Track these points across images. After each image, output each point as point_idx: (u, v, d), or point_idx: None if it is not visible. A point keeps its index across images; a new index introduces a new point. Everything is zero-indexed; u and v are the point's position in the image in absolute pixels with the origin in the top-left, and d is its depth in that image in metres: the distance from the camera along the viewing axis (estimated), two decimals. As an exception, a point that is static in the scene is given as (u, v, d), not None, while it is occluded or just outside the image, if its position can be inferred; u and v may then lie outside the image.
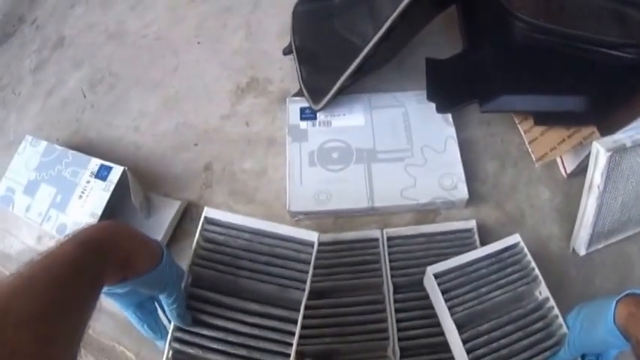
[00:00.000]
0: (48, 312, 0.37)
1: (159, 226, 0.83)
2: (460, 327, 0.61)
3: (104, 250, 0.45)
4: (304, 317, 0.62)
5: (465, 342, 0.60)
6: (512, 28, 0.73)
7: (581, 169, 0.74)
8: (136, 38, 1.12)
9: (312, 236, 0.63)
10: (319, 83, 0.87)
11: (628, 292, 0.51)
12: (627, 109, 0.71)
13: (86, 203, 0.81)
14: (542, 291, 0.65)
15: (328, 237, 0.77)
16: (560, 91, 0.74)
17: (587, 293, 0.73)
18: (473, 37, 0.88)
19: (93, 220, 0.79)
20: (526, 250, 0.68)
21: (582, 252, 0.75)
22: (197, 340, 0.56)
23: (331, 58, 0.86)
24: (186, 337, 0.57)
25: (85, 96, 1.05)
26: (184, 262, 0.60)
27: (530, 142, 0.77)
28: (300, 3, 1.00)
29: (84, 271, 0.42)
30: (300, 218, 0.82)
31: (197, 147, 0.93)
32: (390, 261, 0.74)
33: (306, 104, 0.89)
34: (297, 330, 0.57)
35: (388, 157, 0.84)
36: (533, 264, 0.67)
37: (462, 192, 0.79)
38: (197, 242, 0.62)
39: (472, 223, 0.77)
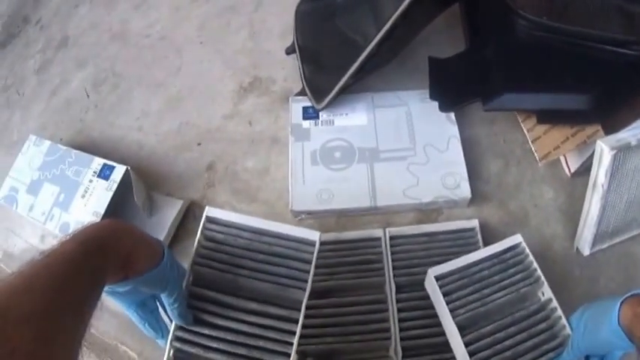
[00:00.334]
0: (48, 310, 0.37)
1: (161, 225, 0.83)
2: (462, 329, 0.60)
3: (105, 248, 0.45)
4: (306, 317, 0.62)
5: (467, 344, 0.59)
6: (515, 27, 0.73)
7: (586, 169, 0.74)
8: (139, 38, 1.13)
9: (314, 235, 0.63)
10: (322, 82, 0.87)
11: (633, 292, 0.51)
12: (632, 108, 0.70)
13: (89, 202, 0.81)
14: (545, 292, 0.64)
15: (330, 236, 0.77)
16: (563, 89, 0.73)
17: (591, 293, 0.73)
18: (476, 35, 0.88)
19: (96, 219, 0.79)
20: (528, 250, 0.68)
21: (586, 252, 0.75)
22: (198, 339, 0.56)
23: (334, 58, 0.86)
24: (188, 336, 0.57)
25: (88, 96, 1.05)
26: (187, 262, 0.60)
27: (533, 141, 0.77)
28: (302, 2, 1.00)
29: (84, 269, 0.42)
30: (303, 217, 0.82)
31: (200, 146, 0.93)
32: (393, 260, 0.73)
33: (308, 103, 0.89)
34: (298, 329, 0.56)
35: (391, 157, 0.84)
36: (535, 265, 0.66)
37: (465, 191, 0.79)
38: (198, 241, 0.62)
39: (475, 223, 0.77)
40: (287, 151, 0.86)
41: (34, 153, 0.90)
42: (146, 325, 0.57)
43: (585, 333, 0.56)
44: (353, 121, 0.88)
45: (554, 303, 0.63)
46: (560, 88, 0.74)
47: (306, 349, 0.66)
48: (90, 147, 0.94)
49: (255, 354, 0.55)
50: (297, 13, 0.99)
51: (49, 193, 0.85)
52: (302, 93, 0.91)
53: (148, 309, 0.57)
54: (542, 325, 0.62)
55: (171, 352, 0.56)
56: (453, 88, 0.86)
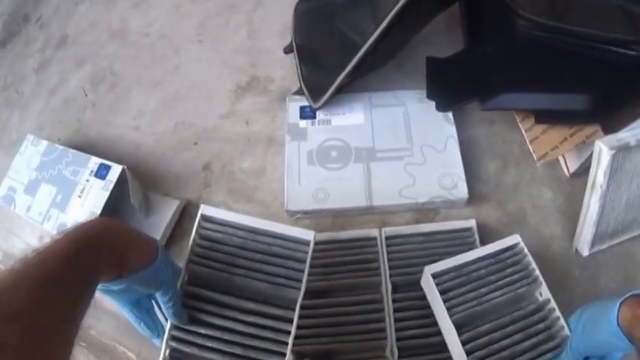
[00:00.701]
0: (38, 307, 0.37)
1: (158, 225, 0.82)
2: (459, 328, 0.60)
3: (97, 246, 0.45)
4: (302, 317, 0.62)
5: (464, 343, 0.58)
6: (515, 26, 0.72)
7: (585, 169, 0.73)
8: (138, 37, 1.12)
9: (309, 235, 0.62)
10: (319, 82, 0.86)
11: (632, 293, 0.50)
12: (632, 108, 0.69)
13: (86, 202, 0.81)
14: (543, 292, 0.64)
15: (326, 236, 0.76)
16: (562, 89, 0.73)
17: (591, 294, 0.72)
18: (475, 35, 0.87)
19: (92, 219, 0.79)
20: (526, 250, 0.67)
21: (585, 252, 0.74)
22: (194, 338, 0.56)
23: (331, 57, 0.86)
24: (183, 335, 0.57)
25: (86, 95, 1.05)
26: (183, 261, 0.60)
27: (531, 141, 0.76)
28: (301, 1, 0.99)
29: (76, 267, 0.42)
30: (299, 217, 0.82)
31: (197, 146, 0.93)
32: (389, 260, 0.73)
33: (306, 103, 0.89)
34: (293, 329, 0.56)
35: (387, 156, 0.83)
36: (533, 265, 0.65)
37: (462, 191, 0.78)
38: (193, 240, 0.62)
39: (472, 223, 0.76)
40: (284, 150, 0.85)
41: (31, 153, 0.90)
42: (142, 324, 0.57)
43: (584, 334, 0.55)
44: (350, 120, 0.87)
45: (553, 304, 0.62)
46: (558, 88, 0.73)
47: (303, 349, 0.66)
48: (87, 147, 0.93)
49: (251, 354, 0.55)
50: (295, 11, 0.98)
51: (46, 193, 0.85)
52: (299, 92, 0.91)
53: (143, 308, 0.57)
54: (540, 326, 0.61)
55: (167, 351, 0.56)
56: (450, 88, 0.85)
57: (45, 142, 0.90)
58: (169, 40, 1.10)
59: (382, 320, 0.68)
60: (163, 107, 0.99)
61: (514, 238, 0.68)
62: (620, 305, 0.50)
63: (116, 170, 0.81)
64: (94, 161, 0.84)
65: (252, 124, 0.94)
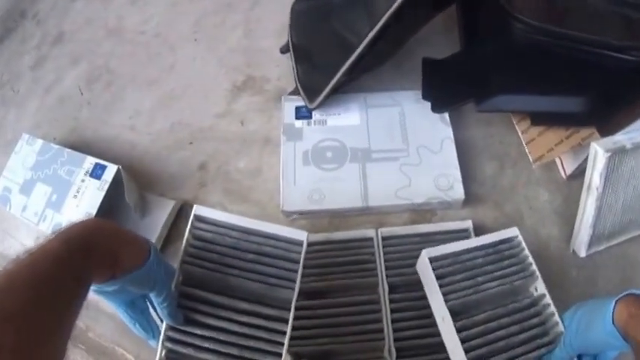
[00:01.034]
0: (31, 308, 0.37)
1: (153, 225, 0.82)
2: (454, 315, 0.59)
3: (88, 247, 0.45)
4: (300, 317, 0.63)
5: (458, 331, 0.58)
6: (512, 29, 0.71)
7: (581, 171, 0.73)
8: (134, 34, 1.12)
9: (301, 235, 0.62)
10: (315, 82, 0.86)
11: (628, 292, 0.50)
12: (628, 111, 0.69)
13: (81, 202, 0.81)
14: (539, 287, 0.64)
15: (322, 236, 0.76)
16: (558, 91, 0.73)
17: (588, 295, 0.72)
18: (471, 37, 0.86)
19: (87, 219, 0.79)
20: (524, 244, 0.67)
21: (582, 253, 0.74)
22: (189, 339, 0.56)
23: (327, 57, 0.85)
24: (179, 336, 0.57)
25: (82, 93, 1.05)
26: (177, 262, 0.60)
27: (527, 143, 0.76)
28: (298, 1, 0.98)
29: (68, 268, 0.42)
30: (295, 218, 0.82)
31: (192, 145, 0.92)
32: (385, 261, 0.73)
33: (301, 103, 0.88)
34: (288, 329, 0.56)
35: (383, 157, 0.83)
36: (530, 259, 0.65)
37: (458, 192, 0.78)
38: (187, 240, 0.61)
39: (468, 223, 0.76)
40: (279, 151, 0.85)
41: (27, 152, 0.89)
42: (136, 325, 0.56)
43: (578, 331, 0.55)
44: (346, 121, 0.87)
45: (548, 299, 0.62)
46: (555, 90, 0.73)
47: (301, 349, 0.66)
48: (83, 146, 0.93)
49: (247, 354, 0.55)
50: (292, 11, 0.98)
51: (41, 193, 0.85)
52: (295, 92, 0.90)
53: (138, 309, 0.56)
54: (535, 320, 0.61)
55: (163, 352, 0.56)
56: (446, 89, 0.85)
57: (40, 141, 0.89)
58: (165, 39, 1.09)
59: (380, 321, 0.68)
60: (159, 106, 0.99)
61: (512, 231, 0.68)
62: (615, 303, 0.49)
63: (111, 170, 0.81)
64: (90, 161, 0.83)
65: (248, 123, 0.93)
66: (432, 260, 0.63)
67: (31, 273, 0.39)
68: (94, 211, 0.79)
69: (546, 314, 0.61)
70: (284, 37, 0.98)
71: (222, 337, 0.56)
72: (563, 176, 0.81)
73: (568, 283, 0.73)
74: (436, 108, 0.85)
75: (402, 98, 0.89)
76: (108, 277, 0.48)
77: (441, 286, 0.61)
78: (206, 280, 0.59)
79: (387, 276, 0.71)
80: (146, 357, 0.75)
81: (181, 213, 0.85)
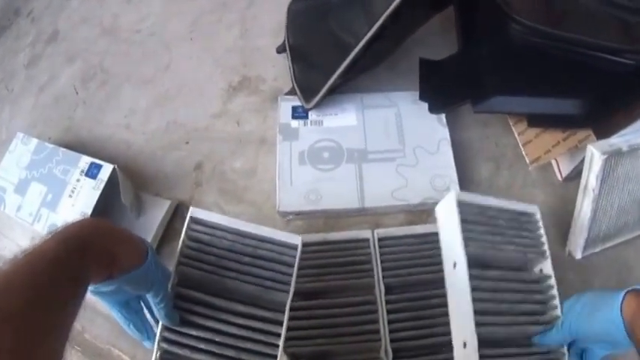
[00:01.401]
0: (30, 309, 0.37)
1: (149, 225, 0.82)
2: (468, 264, 0.58)
3: (86, 246, 0.45)
4: (296, 318, 0.63)
5: (470, 278, 0.57)
6: (510, 31, 0.71)
7: (577, 173, 0.73)
8: (129, 33, 1.11)
9: (296, 239, 0.62)
10: (311, 82, 0.86)
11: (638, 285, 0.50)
12: (625, 114, 0.69)
13: (76, 202, 0.80)
14: (545, 268, 0.64)
15: (318, 237, 0.76)
16: (555, 93, 0.73)
17: (584, 296, 0.72)
18: (469, 38, 0.86)
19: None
20: (541, 224, 0.67)
21: (578, 255, 0.74)
22: (185, 340, 0.56)
23: (324, 57, 0.85)
24: (175, 337, 0.56)
25: (77, 92, 1.04)
26: (173, 263, 0.59)
27: (524, 145, 0.76)
28: (295, 1, 0.98)
29: (66, 268, 0.42)
30: (291, 218, 0.82)
31: (188, 145, 0.92)
32: (382, 262, 0.73)
33: (298, 103, 0.88)
34: (283, 332, 0.57)
35: (379, 158, 0.83)
36: (544, 239, 0.65)
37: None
38: (183, 241, 0.61)
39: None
40: (275, 151, 0.85)
41: (21, 151, 0.89)
42: (131, 325, 0.56)
43: (581, 314, 0.55)
44: (342, 121, 0.87)
45: (552, 281, 0.63)
46: (552, 92, 0.73)
47: (297, 350, 0.66)
48: (78, 145, 0.93)
49: (243, 356, 0.55)
50: (289, 11, 0.97)
51: (36, 192, 0.84)
52: (292, 92, 0.90)
53: (132, 309, 0.56)
54: (538, 297, 0.61)
55: (159, 353, 0.56)
56: (443, 90, 0.85)
57: (35, 141, 0.89)
58: (160, 38, 1.09)
59: (376, 322, 0.68)
60: (154, 106, 0.99)
61: (533, 208, 0.68)
62: (625, 294, 0.49)
63: (107, 169, 0.80)
64: (85, 160, 0.83)
65: (244, 124, 0.93)
66: (459, 204, 0.62)
67: (29, 273, 0.39)
68: (89, 211, 0.78)
69: (548, 295, 0.62)
70: (280, 37, 0.97)
71: (217, 338, 0.56)
72: (559, 178, 0.81)
73: (564, 286, 0.72)
74: (433, 109, 0.85)
75: (398, 99, 0.88)
76: (105, 276, 0.48)
77: (463, 230, 0.60)
78: (202, 281, 0.59)
79: (383, 277, 0.71)
80: (142, 358, 0.75)
81: (177, 213, 0.85)
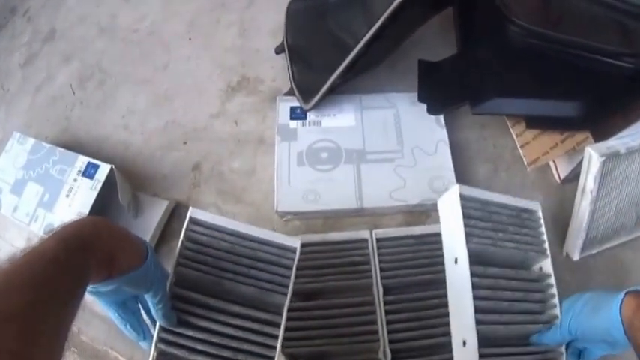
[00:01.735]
0: (29, 309, 0.37)
1: (147, 226, 0.82)
2: (469, 260, 0.59)
3: (86, 246, 0.44)
4: (294, 319, 0.64)
5: (471, 275, 0.58)
6: (508, 33, 0.72)
7: (575, 176, 0.73)
8: (127, 33, 1.11)
9: (294, 242, 0.63)
10: (310, 82, 0.86)
11: (639, 286, 0.50)
12: (622, 117, 0.70)
13: (73, 202, 0.80)
14: (545, 266, 0.64)
15: (317, 237, 0.76)
16: (554, 95, 0.73)
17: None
18: (468, 39, 0.87)
19: (80, 219, 0.78)
20: (542, 221, 0.67)
21: (576, 257, 0.74)
22: (182, 340, 0.56)
23: (323, 58, 0.85)
24: (172, 337, 0.56)
25: (74, 92, 1.03)
26: (172, 263, 0.59)
27: (522, 146, 0.76)
28: (293, 1, 0.98)
29: (65, 268, 0.42)
30: (289, 218, 0.82)
31: (186, 146, 0.92)
32: (380, 262, 0.73)
33: (296, 103, 0.88)
34: (280, 333, 0.57)
35: (378, 158, 0.83)
36: (545, 237, 0.66)
37: (453, 195, 0.78)
38: (182, 242, 0.61)
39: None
40: (274, 151, 0.85)
41: (18, 151, 0.88)
42: (127, 326, 0.56)
43: (580, 314, 0.55)
44: (340, 122, 0.87)
45: (552, 280, 0.63)
46: (550, 94, 0.73)
47: (296, 351, 0.66)
48: (75, 146, 0.92)
49: (240, 356, 0.56)
50: (287, 11, 0.97)
51: (33, 193, 0.83)
52: (290, 93, 0.90)
53: (129, 310, 0.56)
54: (537, 295, 0.62)
55: (156, 354, 0.56)
56: (442, 91, 0.85)
57: (32, 140, 0.88)
58: (159, 38, 1.08)
59: (374, 322, 0.68)
60: (152, 106, 0.98)
61: (535, 205, 0.68)
62: (625, 294, 0.50)
63: (104, 170, 0.80)
64: (82, 160, 0.83)
65: (242, 124, 0.93)
66: (462, 198, 0.62)
67: (28, 273, 0.39)
68: (86, 211, 0.78)
69: (548, 294, 0.62)
70: (279, 38, 0.97)
71: (215, 339, 0.56)
72: (557, 180, 0.81)
73: (561, 286, 0.72)
74: (432, 110, 0.85)
75: (397, 100, 0.89)
76: (105, 276, 0.48)
77: (465, 225, 0.60)
78: (200, 282, 0.59)
79: (381, 277, 0.71)
80: (140, 359, 0.74)
81: (175, 213, 0.84)
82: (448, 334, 0.61)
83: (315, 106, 0.85)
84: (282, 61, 0.95)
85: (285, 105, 0.89)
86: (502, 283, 0.60)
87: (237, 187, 0.86)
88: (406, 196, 0.79)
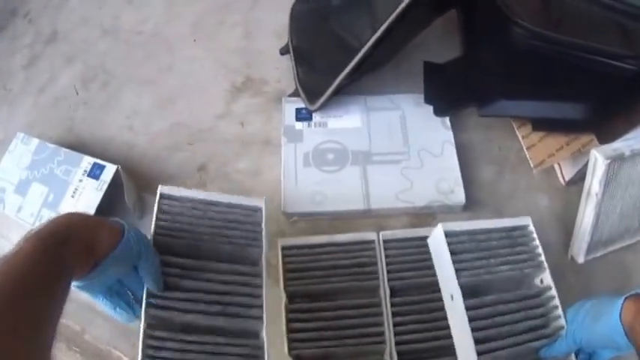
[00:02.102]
0: (10, 308, 0.38)
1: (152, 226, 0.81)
2: (463, 294, 0.59)
3: (62, 241, 0.46)
4: (300, 320, 0.66)
5: (467, 309, 0.58)
6: (511, 35, 0.72)
7: (580, 177, 0.74)
8: (130, 34, 1.11)
9: (260, 202, 0.71)
10: (315, 83, 0.86)
11: (638, 290, 0.51)
12: (627, 119, 0.70)
13: (79, 202, 0.80)
14: (545, 279, 0.65)
15: (323, 239, 0.76)
16: (558, 97, 0.74)
17: (586, 300, 0.73)
18: (472, 41, 0.87)
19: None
20: (535, 235, 0.68)
21: (581, 260, 0.74)
22: (172, 303, 0.59)
23: (328, 59, 0.85)
24: (161, 301, 0.59)
25: (77, 93, 1.03)
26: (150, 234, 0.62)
27: (528, 148, 0.76)
28: (298, 2, 0.98)
29: (46, 264, 0.43)
30: (296, 219, 0.82)
31: (191, 147, 0.92)
32: (387, 264, 0.73)
33: (301, 105, 0.89)
34: (264, 282, 0.63)
35: (384, 160, 0.83)
36: (540, 250, 0.66)
37: (459, 196, 0.79)
38: (156, 216, 0.65)
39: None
40: (279, 152, 0.85)
41: (22, 151, 0.88)
42: (117, 308, 0.57)
43: (584, 323, 0.56)
44: (346, 123, 0.87)
45: (553, 292, 0.63)
46: (555, 96, 0.74)
47: (302, 352, 0.66)
48: (80, 146, 0.91)
49: (231, 309, 0.60)
50: (292, 12, 0.98)
51: (37, 193, 0.83)
52: (295, 94, 0.90)
53: (115, 293, 0.57)
54: (539, 310, 0.62)
55: (147, 321, 0.58)
56: (448, 93, 0.86)
57: (36, 141, 0.88)
58: (163, 39, 1.08)
59: (380, 324, 0.68)
60: (157, 107, 0.98)
61: (525, 220, 0.69)
62: (624, 300, 0.50)
63: (110, 170, 0.80)
64: (87, 161, 0.82)
65: (247, 125, 0.93)
66: (447, 235, 0.63)
67: (8, 271, 0.41)
68: (92, 212, 0.78)
69: (550, 307, 0.63)
70: (284, 38, 0.98)
71: (203, 296, 0.60)
72: (562, 182, 0.82)
73: (566, 289, 0.73)
74: (438, 112, 0.85)
75: (401, 101, 0.89)
76: (91, 265, 0.49)
77: (454, 262, 0.61)
78: (179, 247, 0.63)
79: (388, 279, 0.71)
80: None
81: (180, 214, 0.84)
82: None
83: (321, 107, 0.85)
84: (287, 62, 0.95)
85: (291, 106, 0.89)
86: (500, 309, 0.60)
87: (243, 188, 0.86)
88: (413, 197, 0.80)
